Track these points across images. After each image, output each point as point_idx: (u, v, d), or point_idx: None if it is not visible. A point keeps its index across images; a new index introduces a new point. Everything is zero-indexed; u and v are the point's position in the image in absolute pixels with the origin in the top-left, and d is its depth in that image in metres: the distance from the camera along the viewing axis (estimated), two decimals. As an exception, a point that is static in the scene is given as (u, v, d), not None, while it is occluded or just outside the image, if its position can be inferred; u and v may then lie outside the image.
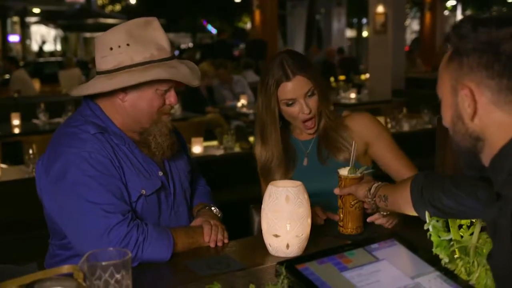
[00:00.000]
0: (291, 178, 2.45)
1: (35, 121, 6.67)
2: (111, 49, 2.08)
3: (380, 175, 2.42)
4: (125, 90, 2.10)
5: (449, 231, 1.69)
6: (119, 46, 2.07)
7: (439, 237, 1.68)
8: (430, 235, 1.69)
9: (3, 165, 4.66)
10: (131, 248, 1.93)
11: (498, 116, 1.29)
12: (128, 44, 2.07)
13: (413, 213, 1.84)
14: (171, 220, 2.23)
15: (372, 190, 2.06)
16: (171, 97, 2.15)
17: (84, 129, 2.08)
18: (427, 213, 1.72)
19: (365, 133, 2.49)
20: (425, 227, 1.71)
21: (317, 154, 2.50)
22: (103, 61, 2.11)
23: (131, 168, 2.11)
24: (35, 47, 29.02)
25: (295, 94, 2.39)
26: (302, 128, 2.48)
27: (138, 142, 2.18)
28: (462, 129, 1.36)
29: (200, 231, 2.13)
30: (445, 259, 1.66)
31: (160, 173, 2.20)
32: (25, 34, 27.49)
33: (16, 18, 26.55)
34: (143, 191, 2.11)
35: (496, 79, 1.27)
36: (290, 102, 2.40)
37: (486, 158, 1.35)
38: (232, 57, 12.96)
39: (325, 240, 2.14)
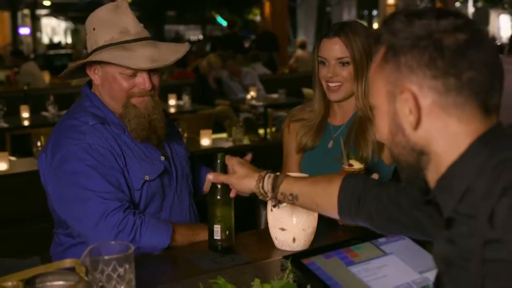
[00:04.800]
0: (314, 153, 2.48)
1: (44, 113, 6.68)
2: (86, 34, 2.21)
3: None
4: (96, 73, 2.17)
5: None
6: (90, 31, 2.18)
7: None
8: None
9: (12, 158, 4.65)
10: (129, 231, 1.99)
11: (445, 124, 1.11)
12: (94, 29, 2.16)
13: (334, 216, 1.67)
14: (174, 203, 2.27)
15: (267, 184, 1.75)
16: (139, 81, 2.14)
17: (84, 121, 2.13)
18: None
19: None
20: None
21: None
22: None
23: (132, 156, 2.16)
24: (45, 39, 29.11)
25: (328, 54, 2.39)
26: (326, 92, 2.45)
27: None
28: (402, 141, 1.17)
29: (202, 226, 2.14)
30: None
31: (162, 158, 2.25)
32: (35, 27, 27.54)
33: (26, 11, 26.62)
34: (147, 177, 2.16)
35: (442, 78, 1.09)
36: (323, 61, 2.40)
37: (431, 176, 1.17)
38: (243, 50, 12.92)
39: (332, 234, 2.12)
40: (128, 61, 2.08)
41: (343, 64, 2.36)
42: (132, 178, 2.13)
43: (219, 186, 1.93)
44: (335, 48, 2.37)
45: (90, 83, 2.26)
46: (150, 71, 2.15)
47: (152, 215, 2.17)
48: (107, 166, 2.07)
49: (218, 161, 1.93)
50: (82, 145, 2.06)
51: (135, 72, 2.12)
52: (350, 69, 2.36)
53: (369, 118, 2.39)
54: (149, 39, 2.18)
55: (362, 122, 2.41)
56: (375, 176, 2.16)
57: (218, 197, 1.92)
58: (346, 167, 2.13)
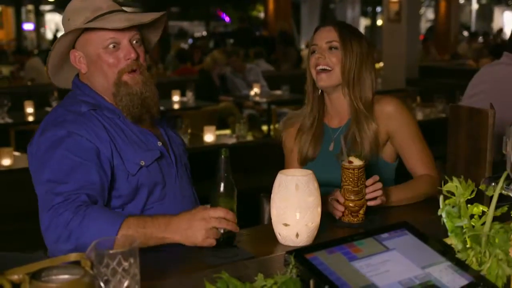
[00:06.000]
0: (316, 159, 2.48)
1: (48, 109, 6.68)
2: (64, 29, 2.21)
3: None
4: (81, 62, 2.18)
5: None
6: (65, 24, 2.18)
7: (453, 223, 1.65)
8: (443, 222, 1.67)
9: (16, 153, 4.67)
10: (63, 227, 1.88)
11: None
12: (68, 19, 2.17)
13: None
14: (176, 188, 2.24)
15: None
16: (124, 53, 2.14)
17: (73, 109, 2.13)
18: (441, 198, 1.67)
19: (387, 121, 2.43)
20: (439, 213, 1.67)
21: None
22: None
23: (126, 141, 2.14)
24: (49, 35, 29.10)
25: (319, 40, 2.43)
26: (316, 80, 2.45)
27: None
28: None
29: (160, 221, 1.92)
30: (458, 246, 1.63)
31: (159, 143, 2.23)
32: (39, 22, 27.53)
33: (30, 7, 26.61)
34: (142, 162, 2.14)
35: None
36: (314, 49, 2.43)
37: None
38: (254, 45, 12.89)
39: (335, 229, 2.13)
40: (102, 24, 2.09)
41: (331, 48, 2.39)
42: (127, 164, 2.11)
43: (221, 178, 1.93)
44: (327, 35, 2.42)
45: (78, 75, 2.27)
46: (133, 42, 2.15)
47: (156, 202, 2.17)
48: (78, 157, 2.02)
49: (222, 156, 1.92)
50: (59, 133, 2.05)
51: (116, 42, 2.12)
52: (339, 54, 2.38)
53: (363, 113, 2.40)
54: (123, 12, 2.20)
55: (357, 120, 2.42)
56: (375, 177, 2.17)
57: (221, 190, 1.92)
58: (346, 164, 2.14)
